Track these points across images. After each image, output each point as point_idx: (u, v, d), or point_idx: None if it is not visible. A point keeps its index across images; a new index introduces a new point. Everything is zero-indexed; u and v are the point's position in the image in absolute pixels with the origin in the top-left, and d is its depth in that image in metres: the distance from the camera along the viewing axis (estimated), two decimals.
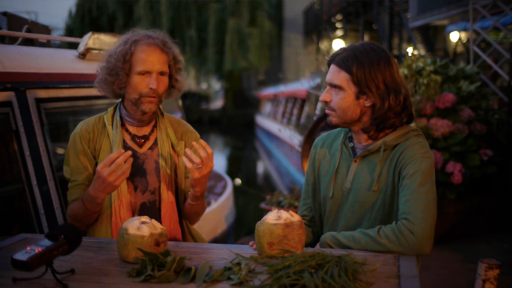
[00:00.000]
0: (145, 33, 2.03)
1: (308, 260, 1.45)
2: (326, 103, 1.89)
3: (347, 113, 1.84)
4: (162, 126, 2.09)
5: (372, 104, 1.83)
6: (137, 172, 2.03)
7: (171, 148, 2.08)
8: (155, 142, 2.07)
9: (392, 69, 1.83)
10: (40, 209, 2.59)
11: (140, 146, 2.06)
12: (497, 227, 5.43)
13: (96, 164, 2.03)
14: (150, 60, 1.96)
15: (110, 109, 2.10)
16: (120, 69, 1.96)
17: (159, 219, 1.99)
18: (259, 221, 1.64)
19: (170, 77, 2.05)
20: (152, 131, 2.08)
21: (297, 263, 1.43)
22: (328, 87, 1.87)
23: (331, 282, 1.34)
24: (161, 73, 1.99)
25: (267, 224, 1.60)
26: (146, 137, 2.07)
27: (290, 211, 1.65)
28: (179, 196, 2.09)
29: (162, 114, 2.13)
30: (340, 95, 1.83)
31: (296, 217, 1.63)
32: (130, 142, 2.05)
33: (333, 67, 1.86)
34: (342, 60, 1.83)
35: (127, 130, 2.06)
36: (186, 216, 2.10)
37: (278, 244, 1.59)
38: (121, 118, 2.07)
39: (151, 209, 2.02)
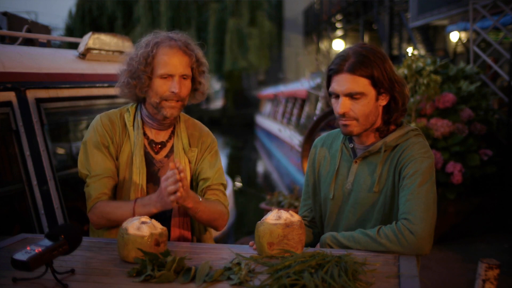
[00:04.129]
0: (167, 35, 1.98)
1: (308, 260, 1.45)
2: (341, 115, 1.82)
3: (370, 117, 1.82)
4: (179, 133, 2.05)
5: (388, 102, 1.83)
6: (151, 179, 2.00)
7: (186, 157, 2.03)
8: (171, 150, 2.03)
9: (392, 65, 1.85)
10: (40, 209, 2.59)
11: (157, 153, 2.02)
12: (497, 227, 5.43)
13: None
14: (172, 63, 1.91)
15: (131, 109, 2.05)
16: (142, 72, 1.91)
17: (169, 228, 1.95)
18: (259, 221, 1.64)
19: (194, 80, 2.00)
20: (169, 137, 2.04)
21: (297, 263, 1.43)
22: (342, 98, 1.80)
23: (331, 282, 1.34)
24: (184, 77, 1.94)
25: (267, 224, 1.60)
26: (163, 144, 2.03)
27: (290, 211, 1.65)
28: None
29: (180, 119, 2.08)
30: (361, 102, 1.79)
31: (296, 217, 1.63)
32: (148, 148, 2.02)
33: (345, 76, 1.78)
34: (355, 66, 1.77)
35: (145, 134, 2.02)
36: (203, 225, 2.05)
37: (278, 244, 1.59)
38: (142, 119, 2.03)
39: (162, 218, 1.98)
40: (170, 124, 2.04)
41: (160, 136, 2.04)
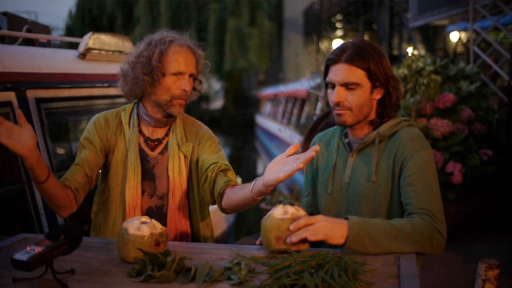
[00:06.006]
0: (174, 34, 2.00)
1: (308, 260, 1.45)
2: (336, 104, 1.85)
3: (363, 108, 1.85)
4: (174, 129, 2.06)
5: (382, 97, 1.86)
6: (145, 176, 2.01)
7: (181, 153, 2.04)
8: (166, 147, 2.04)
9: (389, 62, 1.88)
10: (40, 209, 2.59)
11: (152, 149, 2.03)
12: (497, 227, 5.43)
13: (106, 159, 2.02)
14: (184, 62, 1.94)
15: (128, 107, 2.07)
16: (157, 69, 1.92)
17: (165, 225, 1.97)
18: (265, 216, 1.64)
19: (194, 79, 2.04)
20: (166, 134, 2.05)
21: (297, 263, 1.43)
22: (338, 87, 1.84)
23: (331, 282, 1.34)
24: (191, 75, 1.98)
25: (274, 219, 1.60)
26: (159, 141, 2.04)
27: (296, 206, 1.65)
28: (191, 202, 2.07)
29: (176, 117, 2.09)
30: (356, 93, 1.83)
31: (302, 212, 1.64)
32: (143, 145, 2.03)
33: (342, 66, 1.82)
34: (352, 57, 1.81)
35: (141, 131, 2.04)
36: (232, 207, 1.92)
37: (285, 239, 1.59)
38: (138, 117, 2.05)
39: (158, 214, 2.01)
40: (167, 122, 2.05)
41: (157, 133, 2.05)
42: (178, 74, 1.94)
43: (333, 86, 1.86)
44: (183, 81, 1.94)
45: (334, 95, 1.84)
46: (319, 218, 1.61)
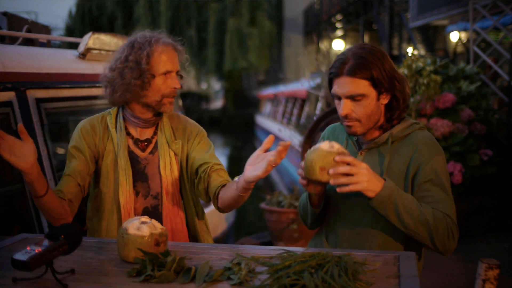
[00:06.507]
0: (154, 34, 2.00)
1: (308, 260, 1.45)
2: (344, 117, 1.85)
3: (372, 117, 1.84)
4: (162, 127, 2.06)
5: (389, 101, 1.86)
6: (138, 177, 2.01)
7: (170, 150, 2.04)
8: (156, 146, 2.04)
9: (392, 62, 1.87)
10: None
11: (143, 150, 2.03)
12: (497, 227, 5.43)
13: (96, 165, 2.02)
14: (170, 60, 1.95)
15: (113, 111, 2.06)
16: (146, 71, 1.92)
17: (161, 223, 1.97)
18: (311, 149, 1.69)
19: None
20: (154, 133, 2.05)
21: (297, 263, 1.43)
22: (344, 100, 1.83)
23: (331, 282, 1.34)
24: (177, 72, 2.00)
25: (321, 150, 1.65)
26: (149, 141, 2.04)
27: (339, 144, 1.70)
28: (185, 198, 2.07)
29: (163, 114, 2.09)
30: (363, 103, 1.82)
31: (345, 150, 1.69)
32: (132, 147, 2.02)
33: (345, 79, 1.81)
34: (354, 69, 1.79)
35: (129, 134, 2.03)
36: (227, 207, 1.94)
37: (329, 170, 1.64)
38: (125, 120, 2.04)
39: (154, 214, 2.01)
40: (155, 121, 2.05)
41: (145, 133, 2.05)
42: (167, 73, 1.95)
43: (339, 98, 1.85)
44: (172, 80, 1.96)
45: (342, 108, 1.84)
46: (363, 164, 1.68)
